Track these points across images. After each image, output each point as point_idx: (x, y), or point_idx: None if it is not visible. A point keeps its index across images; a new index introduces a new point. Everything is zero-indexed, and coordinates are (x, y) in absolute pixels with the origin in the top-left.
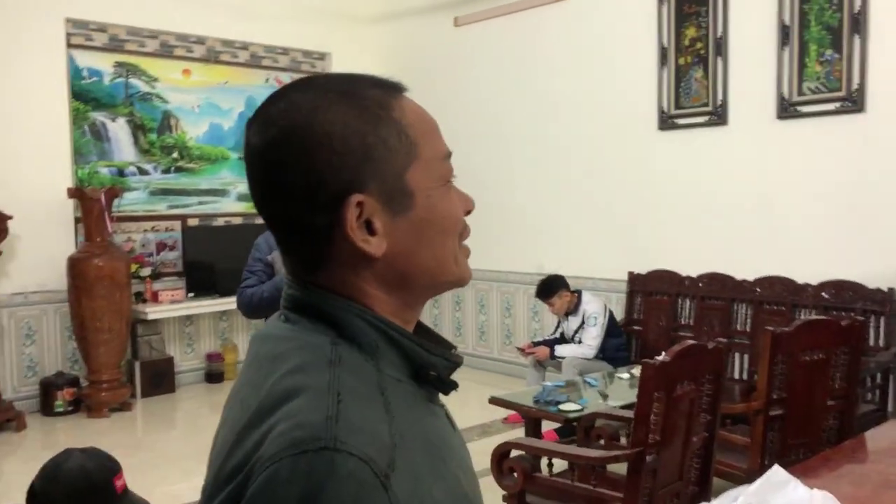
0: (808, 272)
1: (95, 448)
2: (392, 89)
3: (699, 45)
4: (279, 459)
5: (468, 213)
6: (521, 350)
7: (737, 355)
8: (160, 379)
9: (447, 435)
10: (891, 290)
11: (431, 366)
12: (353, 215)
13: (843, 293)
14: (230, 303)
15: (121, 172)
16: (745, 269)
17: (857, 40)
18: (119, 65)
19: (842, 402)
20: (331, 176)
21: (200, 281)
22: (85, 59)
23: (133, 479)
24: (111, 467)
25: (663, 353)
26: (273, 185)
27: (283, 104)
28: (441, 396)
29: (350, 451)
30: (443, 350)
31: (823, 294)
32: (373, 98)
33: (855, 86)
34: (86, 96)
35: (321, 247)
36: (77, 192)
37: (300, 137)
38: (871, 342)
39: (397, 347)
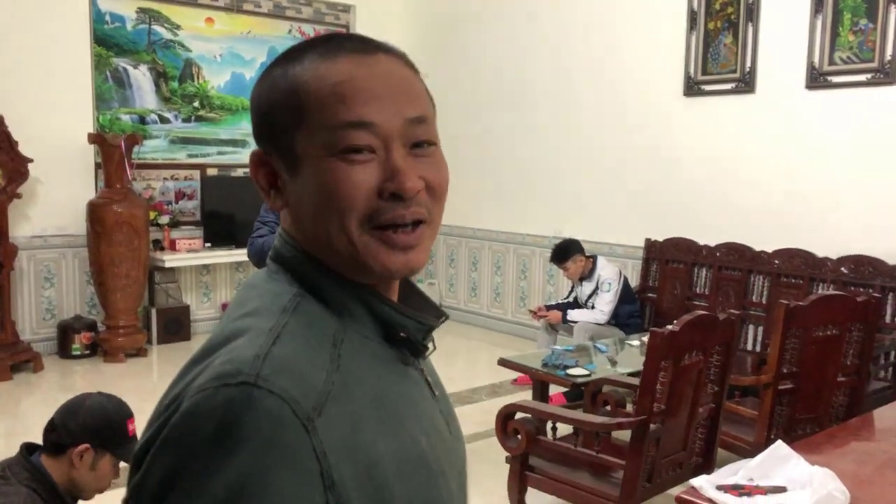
0: (828, 246)
1: (114, 395)
2: (330, 49)
3: (730, 9)
4: (203, 390)
5: (393, 193)
6: (534, 313)
7: (751, 327)
8: (176, 326)
9: (417, 397)
10: None
11: (402, 327)
12: (253, 166)
13: (863, 269)
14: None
15: (142, 120)
16: (764, 241)
17: (893, 10)
18: (142, 11)
19: (853, 379)
20: (257, 133)
21: (218, 231)
22: (107, 4)
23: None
24: (126, 411)
25: (675, 321)
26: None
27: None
28: (429, 362)
29: (270, 389)
30: (413, 311)
31: (842, 269)
32: (295, 58)
33: (888, 57)
34: (108, 42)
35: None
36: (98, 138)
37: (252, 93)
38: (888, 319)
39: (365, 306)
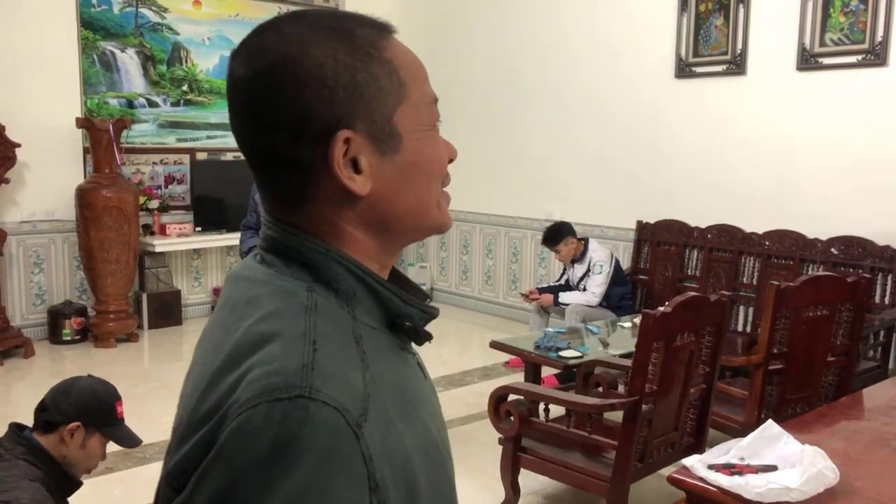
0: (818, 227)
1: (104, 379)
2: (383, 29)
3: None
4: (254, 405)
5: (451, 160)
6: (525, 296)
7: (742, 308)
8: (167, 311)
9: (419, 383)
10: None
11: (407, 316)
12: (339, 151)
13: (852, 249)
14: (238, 238)
15: (130, 104)
16: (755, 222)
17: None
18: None
19: (842, 359)
20: (320, 110)
21: (208, 215)
22: None
23: (139, 407)
24: (115, 393)
25: (666, 303)
26: (260, 117)
27: (274, 36)
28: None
29: (325, 400)
30: (419, 301)
31: (832, 250)
32: (364, 36)
33: (879, 38)
34: (95, 25)
35: (304, 183)
36: (86, 122)
37: (292, 69)
38: (878, 299)
39: (374, 296)
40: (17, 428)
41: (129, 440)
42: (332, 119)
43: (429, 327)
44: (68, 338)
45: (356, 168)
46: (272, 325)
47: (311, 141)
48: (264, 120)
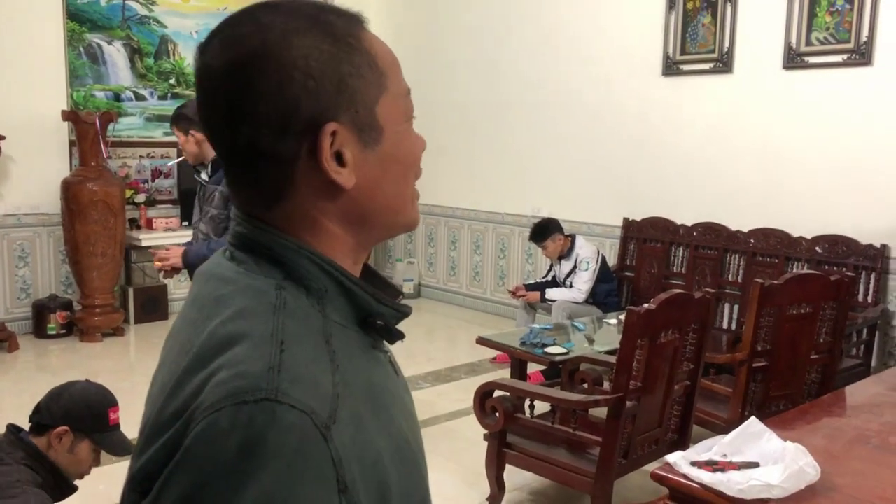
0: (803, 225)
1: (101, 384)
2: (357, 20)
3: None
4: (219, 409)
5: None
6: (512, 293)
7: (727, 305)
8: (153, 305)
9: (390, 382)
10: (884, 246)
11: (379, 315)
12: (327, 144)
13: (837, 248)
14: None
15: (116, 97)
16: (741, 220)
17: None
18: None
19: (825, 357)
20: (306, 102)
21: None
22: None
23: (125, 402)
24: (110, 399)
25: (651, 300)
26: (240, 109)
27: (252, 26)
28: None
29: (292, 403)
30: (392, 299)
31: (817, 248)
32: (343, 26)
33: (864, 38)
34: (81, 17)
35: (286, 177)
36: (72, 115)
37: (275, 59)
38: (861, 298)
39: (346, 294)
40: (14, 430)
41: (119, 448)
42: (318, 111)
43: (416, 322)
44: (53, 332)
45: (340, 161)
46: (239, 326)
47: (297, 134)
48: (245, 112)
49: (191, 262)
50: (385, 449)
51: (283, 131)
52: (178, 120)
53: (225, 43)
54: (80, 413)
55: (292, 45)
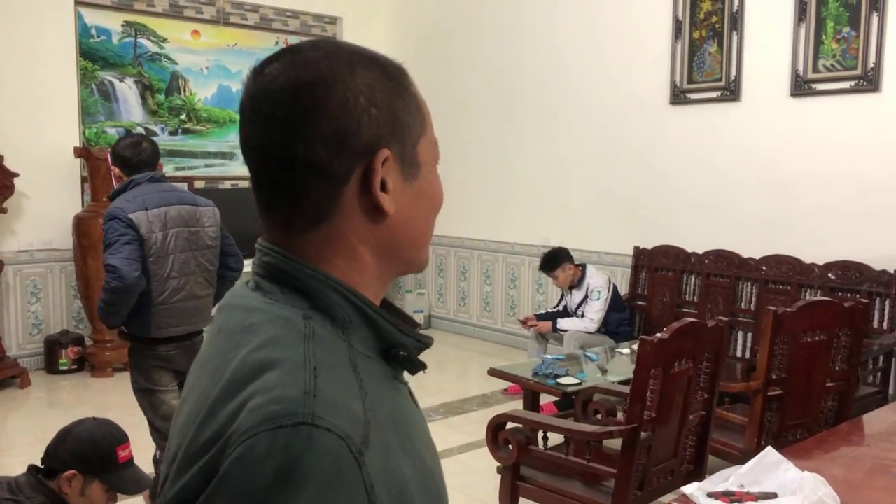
0: (815, 252)
1: (109, 420)
2: (403, 68)
3: (714, 18)
4: (256, 434)
5: None
6: (524, 322)
7: (740, 334)
8: None
9: (412, 412)
10: None
11: (402, 346)
12: (379, 166)
13: (850, 274)
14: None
15: (128, 133)
16: (752, 248)
17: (875, 18)
18: (127, 24)
19: (841, 384)
20: (367, 126)
21: None
22: (93, 18)
23: (136, 437)
24: (118, 437)
25: (664, 329)
26: (303, 126)
27: (316, 53)
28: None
29: (328, 427)
30: (414, 330)
31: (830, 275)
32: (395, 70)
33: (871, 65)
34: (94, 55)
35: (333, 196)
36: (84, 152)
37: (342, 82)
38: (876, 324)
39: (370, 325)
40: (35, 471)
41: (133, 486)
42: (376, 136)
43: (427, 353)
44: (65, 367)
45: (384, 188)
46: (271, 353)
47: (353, 154)
48: (306, 128)
49: None
50: (411, 479)
51: (340, 150)
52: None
53: (289, 63)
54: (87, 454)
55: (357, 73)
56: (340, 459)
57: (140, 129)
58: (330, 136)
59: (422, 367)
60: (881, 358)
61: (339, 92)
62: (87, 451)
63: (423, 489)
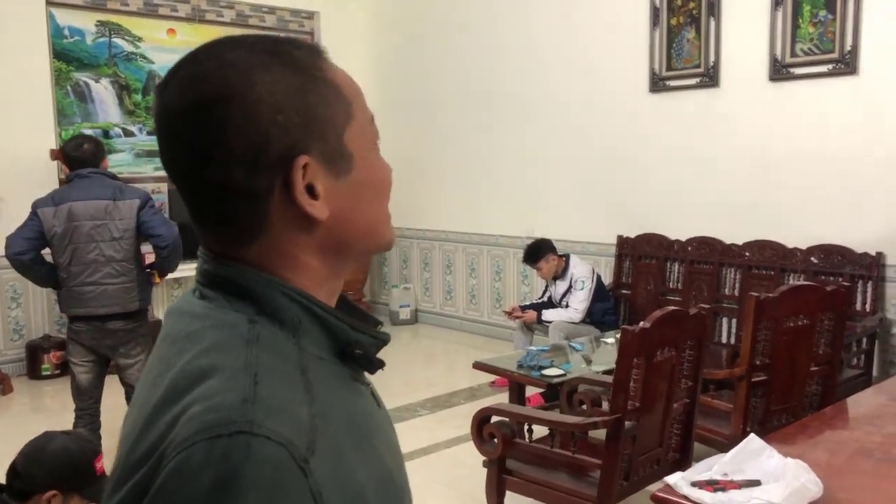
0: (797, 236)
1: (78, 432)
2: (317, 51)
3: (692, 4)
4: (192, 444)
5: None
6: (509, 314)
7: (725, 320)
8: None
9: (372, 413)
10: (879, 254)
11: (357, 343)
12: (299, 178)
13: (832, 258)
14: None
15: (105, 134)
16: (735, 234)
17: (850, 1)
18: (101, 24)
19: (825, 368)
20: (276, 137)
21: (187, 244)
22: (65, 18)
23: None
24: (93, 449)
25: (646, 318)
26: (208, 149)
27: (213, 63)
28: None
29: (267, 436)
30: (368, 327)
31: (812, 259)
32: (304, 58)
33: (848, 48)
34: (68, 56)
35: (259, 214)
36: (60, 154)
37: (241, 95)
38: (858, 307)
39: (321, 324)
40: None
41: None
42: (288, 145)
43: (415, 348)
44: (48, 373)
45: (313, 193)
46: (212, 359)
47: (269, 168)
48: (214, 152)
49: None
50: (368, 481)
51: (254, 167)
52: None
53: (185, 83)
54: (66, 473)
55: (256, 81)
56: (281, 468)
57: (117, 130)
58: (240, 155)
59: (380, 364)
60: (864, 340)
61: (239, 106)
62: (65, 468)
63: (382, 491)
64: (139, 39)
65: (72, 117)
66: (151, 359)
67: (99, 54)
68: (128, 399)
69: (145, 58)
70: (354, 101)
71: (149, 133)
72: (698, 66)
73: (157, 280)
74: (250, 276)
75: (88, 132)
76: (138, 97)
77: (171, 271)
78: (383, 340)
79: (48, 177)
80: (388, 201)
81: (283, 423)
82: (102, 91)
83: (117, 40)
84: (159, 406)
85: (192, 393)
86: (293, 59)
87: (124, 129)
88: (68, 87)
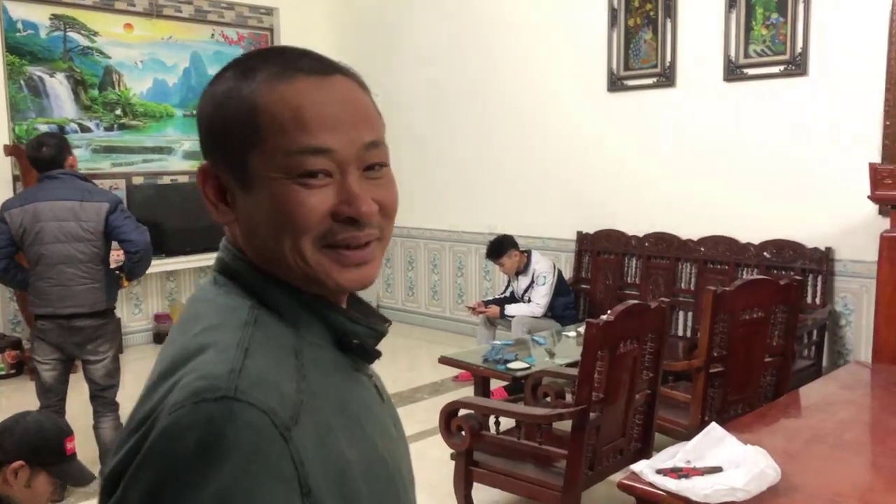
0: (750, 232)
1: (53, 414)
2: (291, 69)
3: (649, 6)
4: (180, 408)
5: (349, 217)
6: (472, 309)
7: (681, 313)
8: None
9: (370, 403)
10: (828, 249)
11: (354, 334)
12: (201, 180)
13: (784, 252)
14: (178, 263)
15: (61, 129)
16: (691, 229)
17: (801, 4)
18: (56, 17)
19: (779, 359)
20: (204, 135)
21: (155, 242)
22: (18, 11)
23: (80, 441)
24: (64, 429)
25: (608, 312)
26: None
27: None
28: (373, 368)
29: (250, 401)
30: (364, 318)
31: (765, 253)
32: (247, 73)
33: (799, 50)
34: (21, 50)
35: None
36: (14, 150)
37: (205, 93)
38: (809, 300)
39: (318, 316)
40: None
41: (79, 478)
42: (204, 151)
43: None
44: (3, 372)
45: (224, 198)
46: (209, 337)
47: (202, 171)
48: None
49: None
50: (355, 463)
51: (204, 171)
52: None
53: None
54: (37, 446)
55: (206, 93)
56: (263, 433)
57: (73, 126)
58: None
59: (377, 355)
60: (814, 332)
61: (201, 103)
62: (36, 442)
63: (371, 475)
64: (95, 34)
65: (25, 112)
66: (165, 341)
67: (54, 48)
68: (92, 396)
69: (102, 52)
70: (273, 127)
71: (106, 129)
72: (655, 67)
73: (125, 284)
74: (249, 269)
75: (43, 128)
76: (95, 92)
77: (140, 276)
78: (380, 332)
79: (2, 173)
80: (304, 241)
81: (268, 393)
82: (57, 86)
83: (72, 34)
84: (159, 377)
85: (188, 366)
86: (243, 76)
87: (81, 125)
88: (21, 82)
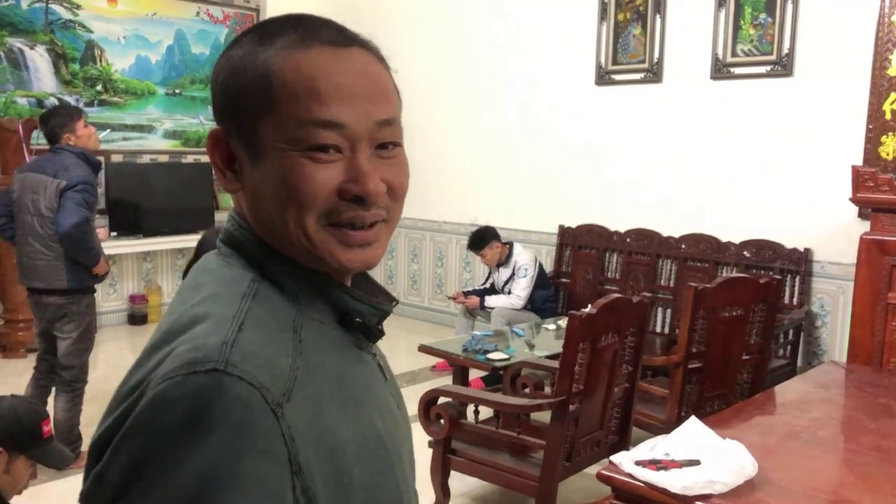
0: (731, 231)
1: (27, 397)
2: (308, 37)
3: (639, 1)
4: (170, 378)
5: (356, 195)
6: (453, 298)
7: (660, 310)
8: None
9: (370, 380)
10: (807, 250)
11: (356, 312)
12: (211, 145)
13: (764, 252)
14: (155, 243)
15: (40, 103)
16: (672, 227)
17: (789, 5)
18: None
19: (756, 357)
20: (217, 99)
21: (124, 220)
22: None
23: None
24: (40, 413)
25: (590, 305)
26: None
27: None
28: (378, 346)
29: (240, 375)
30: (368, 297)
31: (745, 253)
32: (266, 40)
33: (785, 51)
34: (1, 21)
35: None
36: None
37: (221, 56)
38: (787, 300)
39: (321, 293)
40: None
41: (59, 460)
42: (218, 112)
43: None
44: None
45: (232, 165)
46: (206, 308)
47: (213, 137)
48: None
49: None
50: (350, 440)
51: (215, 136)
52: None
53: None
54: (13, 431)
55: (221, 56)
56: (252, 408)
57: (53, 100)
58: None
59: (380, 334)
60: (791, 332)
61: (217, 67)
62: (12, 427)
63: (367, 454)
64: (78, 7)
65: (4, 84)
66: (165, 311)
67: (35, 20)
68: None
69: (84, 26)
70: (287, 96)
71: (87, 104)
72: (643, 62)
73: (96, 270)
74: (254, 241)
75: (22, 101)
76: (76, 67)
77: (81, 260)
78: (384, 311)
79: None
80: (308, 217)
81: (260, 368)
82: (38, 58)
83: (55, 7)
84: (154, 346)
85: (182, 336)
86: (263, 40)
87: (60, 100)
88: (1, 53)
